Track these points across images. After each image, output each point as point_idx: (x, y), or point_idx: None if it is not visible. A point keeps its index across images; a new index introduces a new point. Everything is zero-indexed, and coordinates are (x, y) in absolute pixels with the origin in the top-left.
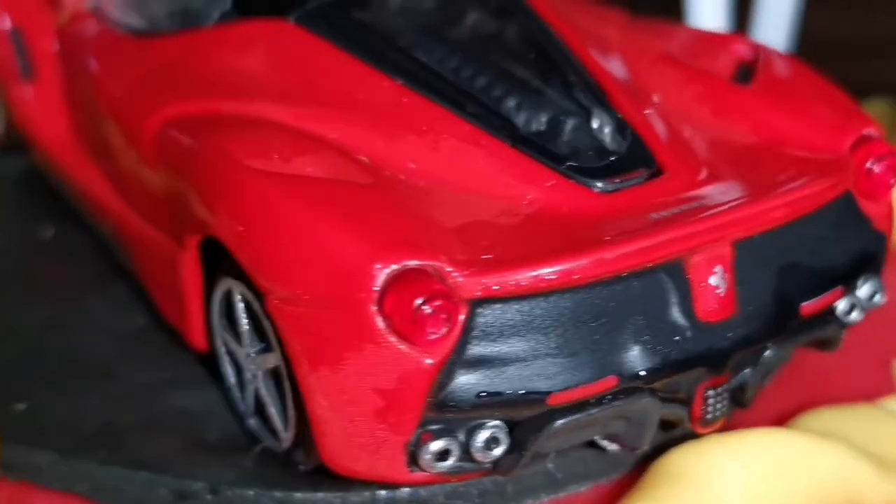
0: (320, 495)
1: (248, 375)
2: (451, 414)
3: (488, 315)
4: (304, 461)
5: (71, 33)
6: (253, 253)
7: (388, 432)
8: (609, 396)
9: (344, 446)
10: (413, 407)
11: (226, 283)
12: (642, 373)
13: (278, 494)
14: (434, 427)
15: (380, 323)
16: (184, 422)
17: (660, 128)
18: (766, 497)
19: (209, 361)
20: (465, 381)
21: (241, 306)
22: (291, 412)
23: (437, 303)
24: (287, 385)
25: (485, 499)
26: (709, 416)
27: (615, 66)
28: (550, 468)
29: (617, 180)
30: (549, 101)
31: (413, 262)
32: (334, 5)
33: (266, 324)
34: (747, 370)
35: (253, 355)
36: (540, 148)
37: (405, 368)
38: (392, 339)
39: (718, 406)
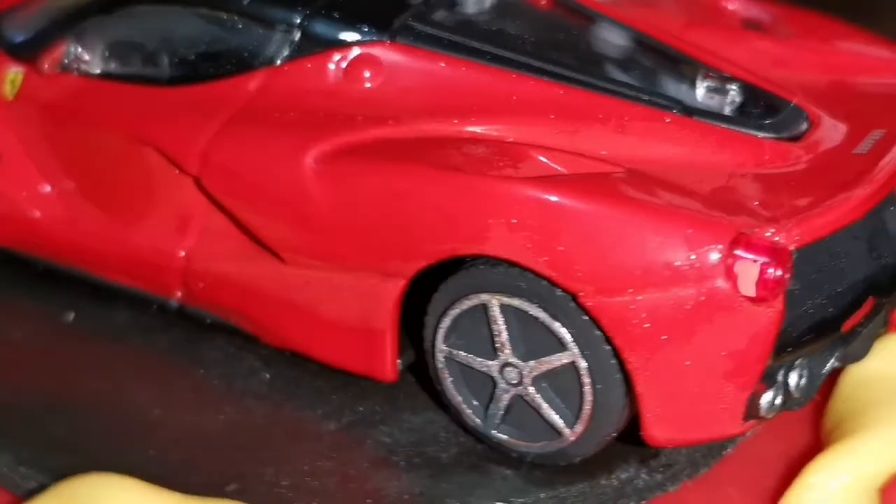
0: (593, 483)
1: (501, 385)
2: (782, 360)
3: (801, 263)
4: (583, 452)
5: (40, 100)
6: (557, 258)
7: (735, 391)
8: (866, 317)
9: (681, 417)
10: (760, 361)
11: (471, 301)
12: (886, 291)
13: (562, 491)
14: (765, 377)
15: (731, 292)
16: (408, 455)
17: (776, 82)
18: None
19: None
20: (795, 327)
21: (501, 318)
22: (588, 406)
23: (781, 259)
24: (587, 379)
25: (691, 457)
26: None
27: (674, 40)
28: None
29: (796, 130)
30: (675, 74)
31: (744, 230)
32: (417, 18)
33: (556, 325)
34: None
35: (518, 362)
36: (715, 115)
37: (757, 328)
38: (743, 303)
39: None
